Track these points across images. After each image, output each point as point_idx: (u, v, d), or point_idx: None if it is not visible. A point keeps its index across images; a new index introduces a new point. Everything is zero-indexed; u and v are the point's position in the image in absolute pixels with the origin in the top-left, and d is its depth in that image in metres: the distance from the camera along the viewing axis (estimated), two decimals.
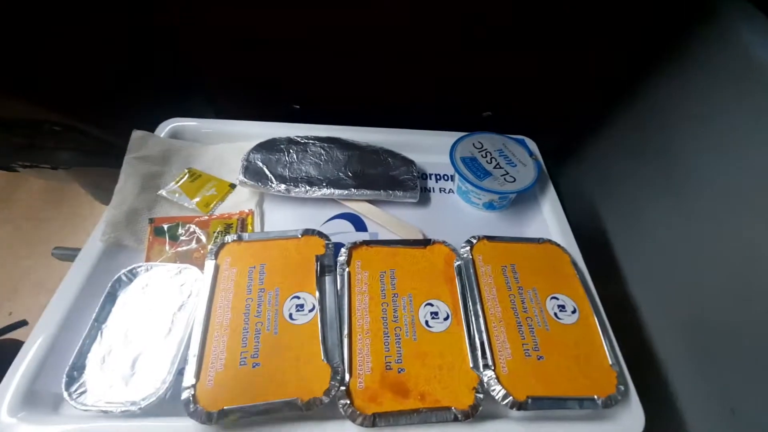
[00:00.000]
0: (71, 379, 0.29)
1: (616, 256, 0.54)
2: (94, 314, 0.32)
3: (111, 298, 0.34)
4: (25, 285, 0.96)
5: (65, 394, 0.29)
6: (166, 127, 0.49)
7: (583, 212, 0.61)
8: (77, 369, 0.30)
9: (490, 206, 0.46)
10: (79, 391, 0.29)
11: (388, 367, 0.31)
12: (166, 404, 0.29)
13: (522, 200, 0.48)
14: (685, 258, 0.44)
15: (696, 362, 0.42)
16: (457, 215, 0.47)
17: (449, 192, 0.49)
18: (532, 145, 0.52)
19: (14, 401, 0.29)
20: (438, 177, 0.50)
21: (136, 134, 0.44)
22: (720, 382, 0.40)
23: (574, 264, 0.40)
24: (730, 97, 0.40)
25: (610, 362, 0.33)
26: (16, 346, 0.32)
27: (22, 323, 0.52)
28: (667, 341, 0.47)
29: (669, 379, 0.45)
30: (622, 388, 0.32)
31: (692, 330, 0.43)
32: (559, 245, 0.41)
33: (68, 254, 0.69)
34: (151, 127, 0.48)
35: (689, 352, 0.43)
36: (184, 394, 0.28)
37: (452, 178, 0.50)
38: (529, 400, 0.30)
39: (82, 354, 0.31)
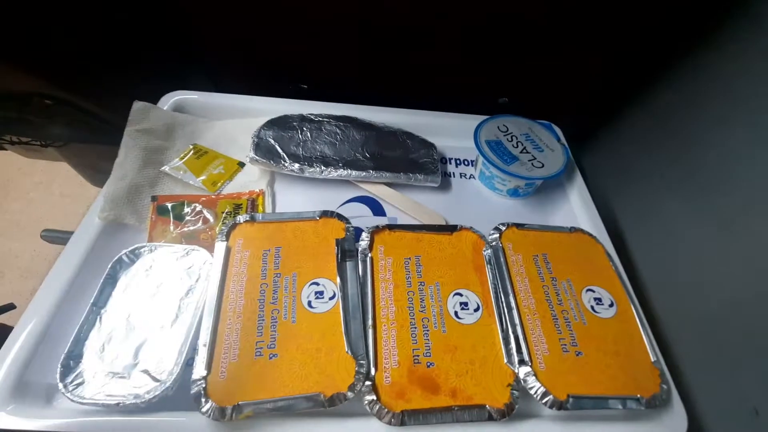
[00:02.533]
0: (67, 369, 0.26)
1: (631, 249, 0.52)
2: (93, 298, 0.29)
3: (111, 280, 0.31)
4: (11, 269, 0.91)
5: (60, 386, 0.26)
6: (168, 101, 0.45)
7: (601, 201, 0.58)
8: (73, 358, 0.27)
9: (514, 193, 0.44)
10: (75, 383, 0.26)
11: (416, 361, 0.29)
12: (173, 398, 0.26)
13: (547, 187, 0.45)
14: (706, 255, 0.42)
15: (718, 361, 0.41)
16: (479, 201, 0.44)
17: (470, 177, 0.46)
18: (559, 131, 0.49)
19: (3, 392, 0.26)
20: (458, 162, 0.48)
21: (138, 105, 0.41)
22: (742, 382, 0.38)
23: (608, 255, 0.37)
24: (762, 94, 0.38)
25: (652, 359, 0.31)
26: (4, 331, 0.28)
27: (10, 306, 0.49)
28: (687, 339, 0.45)
29: (689, 378, 0.43)
30: (665, 387, 0.30)
31: (714, 329, 0.41)
32: (591, 235, 0.38)
33: (58, 237, 0.65)
34: (152, 103, 0.45)
35: (710, 351, 0.42)
36: (194, 388, 0.25)
37: (473, 163, 0.47)
38: (570, 399, 0.28)
39: (79, 341, 0.28)
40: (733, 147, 0.40)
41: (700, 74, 0.45)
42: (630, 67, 0.54)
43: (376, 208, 0.41)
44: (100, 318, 0.29)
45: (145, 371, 0.27)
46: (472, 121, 0.46)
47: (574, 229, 0.38)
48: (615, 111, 0.58)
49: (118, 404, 0.25)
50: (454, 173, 0.47)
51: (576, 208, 0.44)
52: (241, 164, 0.42)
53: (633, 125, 0.56)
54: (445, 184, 0.45)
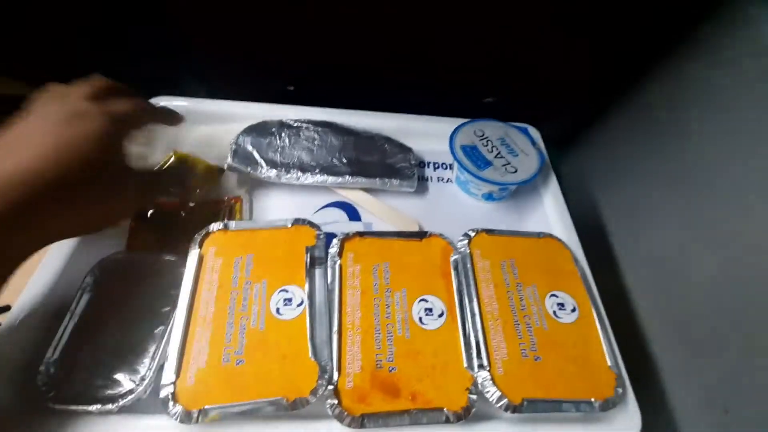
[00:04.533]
0: (44, 375, 0.28)
1: (615, 249, 0.53)
2: (71, 306, 0.31)
3: (88, 288, 0.32)
4: None
5: (38, 391, 0.27)
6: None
7: (583, 203, 0.59)
8: (51, 364, 0.28)
9: (489, 197, 0.44)
10: (53, 388, 0.28)
11: (378, 366, 0.30)
12: (146, 402, 0.28)
13: (523, 191, 0.46)
14: (684, 255, 0.43)
15: (690, 360, 0.42)
16: (455, 206, 0.45)
17: (448, 181, 0.47)
18: (536, 134, 0.49)
19: None
20: (436, 165, 0.48)
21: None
22: (714, 381, 0.39)
23: (575, 260, 0.38)
24: (747, 91, 0.38)
25: (609, 364, 0.32)
26: None
27: (5, 309, 0.50)
28: (662, 338, 0.46)
29: (662, 376, 0.44)
30: (620, 390, 0.31)
31: (687, 328, 0.42)
32: (560, 240, 0.39)
33: None
34: None
35: (684, 351, 0.43)
36: (163, 392, 0.27)
37: (451, 166, 0.48)
38: (525, 403, 0.29)
39: (57, 348, 0.29)
40: (717, 148, 0.40)
41: (685, 75, 0.45)
42: (614, 69, 0.54)
43: (352, 214, 0.42)
44: (79, 325, 0.30)
45: (120, 376, 0.28)
46: (451, 124, 0.47)
47: (543, 235, 0.39)
48: (604, 110, 0.58)
49: (94, 408, 0.27)
50: (432, 177, 0.47)
51: (549, 212, 0.44)
52: (221, 170, 0.43)
53: (617, 127, 0.56)
54: (422, 189, 0.45)
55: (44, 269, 0.33)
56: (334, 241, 0.35)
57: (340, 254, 0.35)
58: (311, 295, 0.32)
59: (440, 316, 0.33)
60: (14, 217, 0.23)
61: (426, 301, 0.33)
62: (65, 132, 0.25)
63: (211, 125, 0.47)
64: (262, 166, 0.41)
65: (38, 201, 0.23)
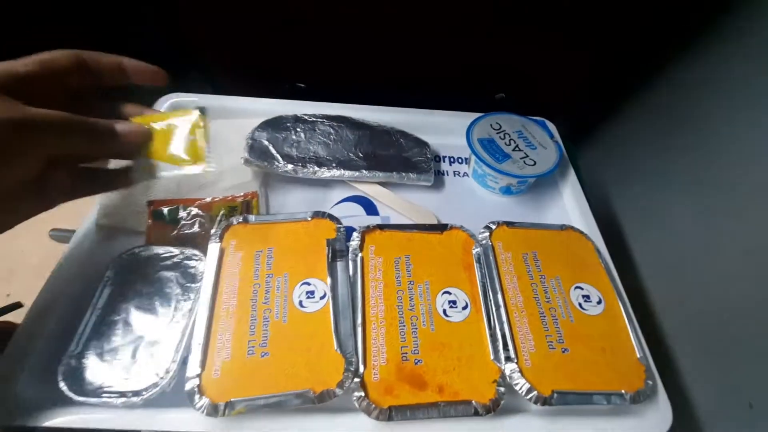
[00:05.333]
0: (68, 368, 0.28)
1: (630, 246, 0.52)
2: (93, 299, 0.30)
3: (109, 282, 0.32)
4: (21, 266, 0.94)
5: (61, 384, 0.27)
6: (165, 102, 0.46)
7: (598, 198, 0.58)
8: (74, 357, 0.28)
9: (507, 191, 0.44)
10: (77, 380, 0.27)
11: (404, 358, 0.29)
12: (170, 395, 0.27)
13: (540, 185, 0.45)
14: (704, 250, 0.43)
15: (713, 355, 0.41)
16: (472, 200, 0.45)
17: (464, 175, 0.47)
18: (553, 128, 0.49)
19: (8, 390, 0.27)
20: (452, 160, 0.48)
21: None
22: (737, 376, 0.39)
23: (598, 252, 0.38)
24: (763, 89, 0.38)
25: (638, 356, 0.31)
26: (10, 329, 0.30)
27: (17, 305, 0.50)
28: (682, 333, 0.45)
29: (684, 371, 0.44)
30: (650, 383, 0.30)
31: (708, 323, 0.42)
32: (582, 232, 0.39)
33: (66, 236, 0.67)
34: (150, 105, 0.45)
35: (706, 345, 0.42)
36: (189, 385, 0.27)
37: (467, 161, 0.48)
38: (555, 395, 0.28)
39: (80, 341, 0.29)
40: (733, 144, 0.40)
41: (700, 70, 0.45)
42: (627, 64, 0.53)
43: (370, 208, 0.42)
44: (101, 318, 0.30)
45: (144, 369, 0.28)
46: (466, 118, 0.46)
47: (564, 227, 0.39)
48: (612, 107, 0.58)
49: (118, 401, 0.27)
50: (447, 171, 0.47)
51: (568, 206, 0.44)
52: (200, 110, 0.36)
53: (631, 121, 0.56)
54: (438, 183, 0.45)
55: (65, 263, 0.33)
56: (355, 234, 0.35)
57: (361, 247, 0.34)
58: (334, 288, 0.32)
59: (464, 308, 0.32)
60: None
61: (449, 293, 0.33)
62: None
63: (221, 120, 0.46)
64: (278, 161, 0.41)
65: None
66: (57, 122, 0.23)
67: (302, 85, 0.56)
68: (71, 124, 0.24)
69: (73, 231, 0.36)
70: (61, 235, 0.76)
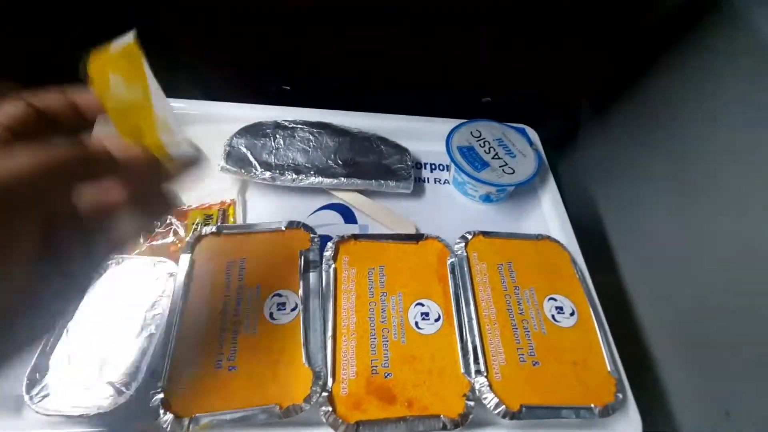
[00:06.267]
0: (32, 382, 0.27)
1: (614, 250, 0.52)
2: None
3: None
4: None
5: (26, 398, 0.27)
6: None
7: (581, 203, 0.59)
8: (39, 370, 0.28)
9: (487, 198, 0.44)
10: (41, 394, 0.27)
11: (374, 372, 0.29)
12: (136, 409, 0.27)
13: (521, 192, 0.45)
14: (683, 256, 0.43)
15: (691, 362, 0.41)
16: (452, 207, 0.44)
17: (444, 182, 0.46)
18: (533, 135, 0.49)
19: None
20: (433, 167, 0.48)
21: (101, 119, 0.41)
22: (714, 383, 0.39)
23: (574, 262, 0.38)
24: (745, 89, 0.38)
25: (609, 369, 0.31)
26: None
27: None
28: (662, 340, 0.45)
29: (663, 379, 0.44)
30: (620, 396, 0.30)
31: (687, 330, 0.42)
32: (558, 242, 0.39)
33: None
34: None
35: (684, 352, 0.42)
36: (154, 399, 0.26)
37: (448, 168, 0.47)
38: (523, 409, 0.28)
39: (45, 354, 0.28)
40: (716, 147, 0.40)
41: (682, 74, 0.45)
42: (611, 69, 0.53)
43: (348, 216, 0.42)
44: (67, 330, 0.30)
45: (110, 383, 0.28)
46: (448, 125, 0.46)
47: (540, 237, 0.39)
48: (601, 110, 0.58)
49: (81, 415, 0.26)
50: (428, 178, 0.47)
51: (547, 214, 0.44)
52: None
53: (615, 126, 0.56)
54: (418, 190, 0.45)
55: None
56: (329, 244, 0.35)
57: (334, 258, 0.34)
58: (305, 300, 0.32)
59: (437, 320, 0.32)
60: None
61: (422, 305, 0.33)
62: None
63: (199, 125, 0.46)
64: (256, 169, 0.41)
65: None
66: (40, 168, 0.16)
67: (288, 87, 0.56)
68: (58, 163, 0.16)
69: None
70: None
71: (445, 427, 0.28)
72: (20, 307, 0.17)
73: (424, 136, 0.48)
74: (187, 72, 0.57)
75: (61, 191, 0.17)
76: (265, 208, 0.41)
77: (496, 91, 0.55)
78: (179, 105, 0.47)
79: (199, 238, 0.34)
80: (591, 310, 0.34)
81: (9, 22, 0.42)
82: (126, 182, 0.19)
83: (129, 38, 0.19)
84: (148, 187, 0.20)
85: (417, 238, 0.37)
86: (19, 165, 0.15)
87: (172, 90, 0.49)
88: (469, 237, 0.37)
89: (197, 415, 0.26)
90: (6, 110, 0.18)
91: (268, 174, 0.41)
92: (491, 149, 0.44)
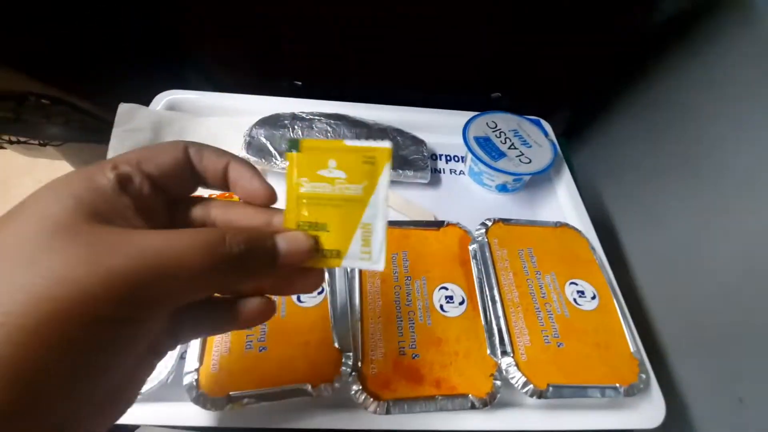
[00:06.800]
0: None
1: (624, 242, 0.53)
2: None
3: None
4: None
5: None
6: (162, 100, 0.46)
7: (592, 196, 0.59)
8: None
9: (503, 188, 0.44)
10: None
11: (401, 353, 0.30)
12: (168, 389, 0.27)
13: (536, 182, 0.46)
14: (695, 247, 0.43)
15: (703, 351, 0.42)
16: (468, 197, 0.45)
17: (460, 173, 0.47)
18: (548, 127, 0.49)
19: None
20: (448, 158, 0.48)
21: (123, 107, 0.42)
22: (728, 371, 0.39)
23: (592, 249, 0.38)
24: (757, 83, 0.38)
25: (632, 350, 0.32)
26: None
27: None
28: (674, 328, 0.46)
29: (675, 366, 0.44)
30: (643, 376, 0.31)
31: (700, 319, 0.42)
32: (576, 229, 0.39)
33: None
34: (147, 103, 0.45)
35: (696, 341, 0.43)
36: (187, 379, 0.27)
37: (463, 159, 0.48)
38: (550, 388, 0.29)
39: None
40: (724, 140, 0.40)
41: (692, 68, 0.46)
42: (621, 63, 0.54)
43: None
44: None
45: None
46: (462, 117, 0.47)
47: (559, 224, 0.39)
48: (606, 106, 0.59)
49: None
50: (444, 169, 0.47)
51: (563, 203, 0.44)
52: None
53: (624, 120, 0.57)
54: (435, 180, 0.45)
55: None
56: None
57: None
58: (332, 283, 0.32)
59: (461, 303, 0.33)
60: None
61: (446, 288, 0.33)
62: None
63: (218, 117, 0.46)
64: (276, 158, 0.41)
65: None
66: (195, 259, 0.13)
67: (299, 83, 0.56)
68: (216, 256, 0.14)
69: None
70: None
71: (474, 406, 0.28)
72: (130, 386, 0.16)
73: (438, 128, 0.49)
74: (199, 68, 0.58)
75: (219, 287, 0.16)
76: (284, 197, 0.41)
77: (507, 87, 0.56)
78: (194, 96, 0.47)
79: None
80: (612, 294, 0.35)
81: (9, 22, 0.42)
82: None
83: (386, 144, 0.17)
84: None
85: (438, 224, 0.37)
86: (190, 253, 0.13)
87: (188, 85, 0.49)
88: (489, 224, 0.37)
89: (230, 393, 0.26)
90: (161, 158, 0.16)
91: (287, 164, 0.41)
92: (507, 140, 0.44)
